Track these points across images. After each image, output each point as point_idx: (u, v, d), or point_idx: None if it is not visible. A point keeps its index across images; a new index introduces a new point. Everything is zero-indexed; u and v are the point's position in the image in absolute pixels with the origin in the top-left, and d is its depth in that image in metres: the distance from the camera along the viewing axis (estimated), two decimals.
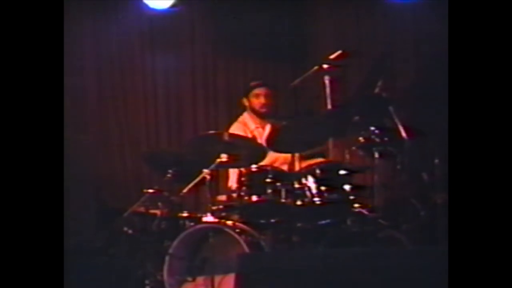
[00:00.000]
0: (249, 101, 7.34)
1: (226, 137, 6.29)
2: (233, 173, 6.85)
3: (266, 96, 7.26)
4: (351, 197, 6.18)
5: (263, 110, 7.28)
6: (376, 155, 6.17)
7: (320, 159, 6.69)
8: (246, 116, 7.35)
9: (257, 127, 7.25)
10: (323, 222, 6.20)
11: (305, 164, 6.38)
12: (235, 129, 7.16)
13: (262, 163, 6.40)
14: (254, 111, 7.30)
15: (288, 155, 6.54)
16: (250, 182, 6.26)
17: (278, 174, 6.27)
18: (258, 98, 7.28)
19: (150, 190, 6.47)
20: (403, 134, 6.10)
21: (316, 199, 6.15)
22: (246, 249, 5.81)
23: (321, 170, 6.22)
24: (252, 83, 7.37)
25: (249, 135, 7.10)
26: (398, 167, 6.25)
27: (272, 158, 6.85)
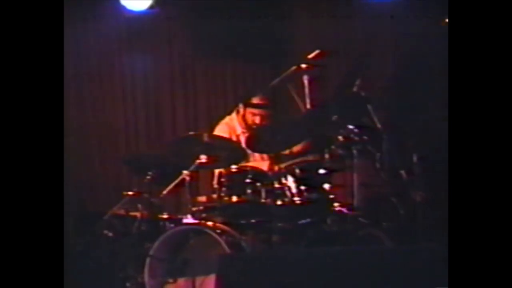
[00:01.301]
0: (244, 111, 7.16)
1: (205, 138, 6.28)
2: (213, 174, 6.84)
3: (262, 118, 7.11)
4: (331, 196, 6.20)
5: (254, 126, 7.16)
6: (355, 153, 6.19)
7: (299, 159, 6.69)
8: (234, 118, 7.25)
9: (243, 132, 7.19)
10: (304, 221, 6.21)
11: (284, 164, 6.38)
12: (221, 130, 7.09)
13: (242, 164, 6.39)
14: (245, 121, 7.20)
15: (267, 155, 6.54)
16: (230, 183, 6.26)
17: (257, 174, 6.28)
18: (254, 117, 7.11)
19: (130, 193, 6.46)
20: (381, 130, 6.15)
21: (296, 198, 6.17)
22: (227, 250, 5.81)
23: (301, 169, 6.23)
24: (256, 101, 7.12)
25: (234, 138, 7.03)
26: (377, 165, 6.28)
27: (252, 158, 6.86)
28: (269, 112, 7.15)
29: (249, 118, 7.11)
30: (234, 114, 7.25)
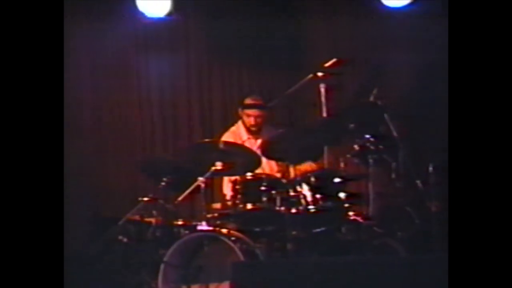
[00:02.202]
0: (242, 114, 7.32)
1: (221, 145, 6.29)
2: (228, 181, 6.84)
3: (256, 117, 7.19)
4: (346, 205, 6.18)
5: (253, 128, 7.23)
6: (371, 163, 6.17)
7: (314, 167, 6.69)
8: (240, 126, 7.33)
9: (249, 138, 7.22)
10: (318, 230, 6.19)
11: (299, 172, 6.37)
12: (228, 138, 7.14)
13: (257, 171, 6.39)
14: (245, 126, 7.27)
15: (283, 163, 6.54)
16: (245, 190, 6.26)
17: (273, 182, 6.27)
18: (248, 118, 7.23)
19: (145, 198, 6.46)
20: (397, 139, 6.14)
21: (311, 207, 6.15)
22: (241, 257, 5.80)
23: (316, 178, 6.22)
24: (248, 101, 7.31)
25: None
26: (393, 175, 6.26)
27: (267, 166, 6.86)
28: (263, 112, 7.18)
29: (246, 120, 7.17)
30: (239, 122, 7.31)
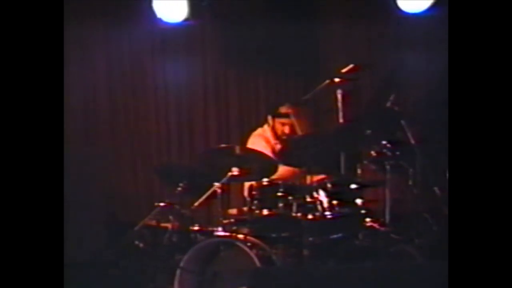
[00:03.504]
0: (273, 122, 7.24)
1: (237, 151, 6.28)
2: (244, 187, 6.83)
3: (291, 127, 7.14)
4: (363, 212, 6.16)
5: (284, 137, 7.18)
6: (388, 169, 6.15)
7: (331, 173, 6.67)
8: (266, 130, 7.28)
9: (276, 143, 7.19)
10: (335, 236, 6.17)
11: (316, 178, 6.36)
12: (255, 141, 7.13)
13: (273, 177, 6.38)
14: (275, 132, 7.23)
15: (300, 169, 6.52)
16: (261, 196, 6.25)
17: (289, 188, 6.26)
18: (283, 126, 7.16)
19: (161, 204, 6.46)
20: (414, 144, 6.11)
21: (327, 213, 6.14)
22: (257, 263, 5.79)
23: (333, 184, 6.20)
24: (283, 110, 7.20)
25: (268, 149, 7.05)
26: (410, 181, 6.24)
27: (283, 172, 6.84)
28: (298, 121, 7.16)
29: (279, 128, 7.16)
30: (266, 126, 7.27)
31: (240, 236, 6.13)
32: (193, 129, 8.42)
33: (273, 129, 7.19)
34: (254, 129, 7.38)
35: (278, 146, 7.08)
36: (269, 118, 7.27)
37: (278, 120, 7.18)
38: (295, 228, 6.16)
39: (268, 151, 6.90)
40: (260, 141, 7.14)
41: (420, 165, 6.19)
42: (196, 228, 6.40)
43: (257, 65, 8.39)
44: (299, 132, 7.12)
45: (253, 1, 8.17)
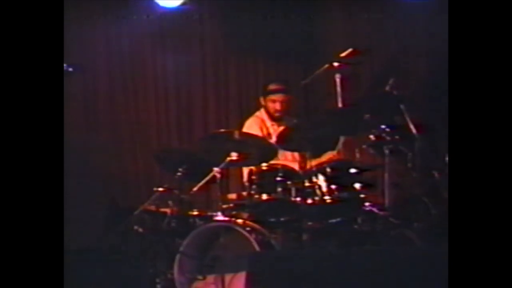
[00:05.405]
0: (265, 102, 7.31)
1: (236, 135, 6.28)
2: (243, 172, 6.84)
3: (282, 102, 7.20)
4: (362, 196, 6.16)
5: (277, 114, 7.23)
6: (387, 153, 6.15)
7: (330, 157, 6.68)
8: (262, 112, 7.33)
9: (272, 125, 7.23)
10: (334, 220, 6.18)
11: (315, 162, 6.36)
12: (252, 123, 7.17)
13: (272, 162, 6.38)
14: (268, 113, 7.27)
15: (298, 153, 6.52)
16: (260, 181, 6.25)
17: (288, 173, 6.26)
18: (274, 104, 7.22)
19: (161, 189, 6.47)
20: (413, 130, 6.10)
21: (326, 197, 6.14)
22: (257, 248, 5.80)
23: (332, 168, 6.21)
24: (271, 87, 7.29)
25: (265, 131, 7.09)
26: (409, 165, 6.23)
27: (283, 156, 6.85)
28: (287, 97, 7.18)
29: (271, 107, 7.18)
30: (262, 109, 7.30)
31: (239, 220, 6.14)
32: (192, 114, 8.42)
33: (266, 109, 7.24)
34: (252, 114, 7.40)
35: (275, 127, 7.10)
36: (261, 99, 7.30)
37: (269, 98, 7.22)
38: (294, 213, 6.17)
39: (263, 133, 6.94)
40: (255, 123, 7.17)
41: (419, 149, 6.19)
42: (195, 213, 6.41)
43: (256, 49, 8.38)
44: (290, 107, 7.16)
45: None
